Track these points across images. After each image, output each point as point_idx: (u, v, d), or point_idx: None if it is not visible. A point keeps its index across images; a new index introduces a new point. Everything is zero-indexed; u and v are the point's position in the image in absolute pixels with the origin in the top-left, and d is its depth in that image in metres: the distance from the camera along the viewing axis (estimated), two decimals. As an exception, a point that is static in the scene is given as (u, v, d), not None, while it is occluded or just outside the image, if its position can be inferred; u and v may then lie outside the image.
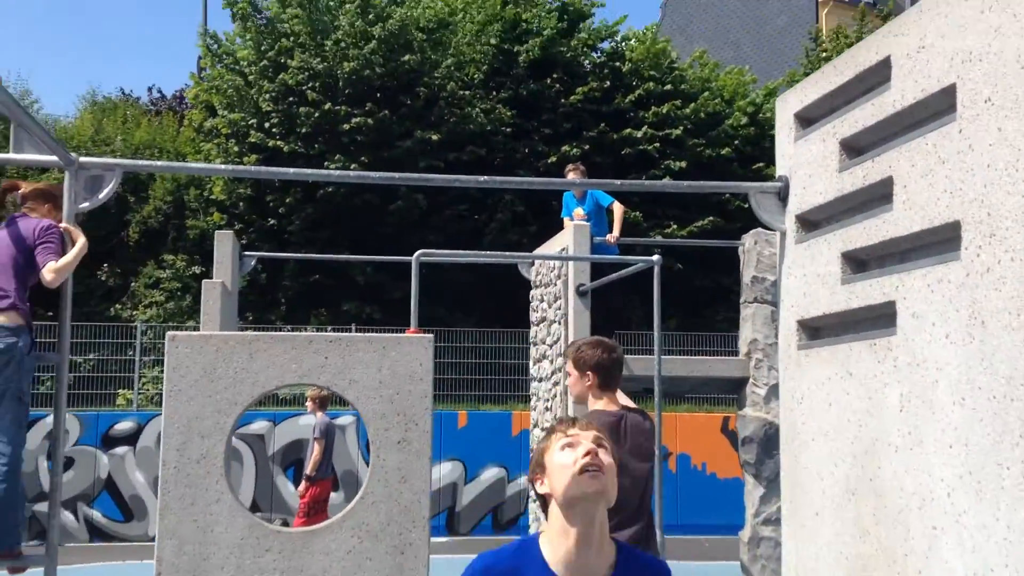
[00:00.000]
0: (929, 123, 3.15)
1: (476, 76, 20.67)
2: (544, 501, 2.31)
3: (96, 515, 13.91)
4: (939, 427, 2.98)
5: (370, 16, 18.80)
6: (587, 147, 20.14)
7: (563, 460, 2.26)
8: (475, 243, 19.04)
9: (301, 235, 18.65)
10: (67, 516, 13.59)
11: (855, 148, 3.63)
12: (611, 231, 9.05)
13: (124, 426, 14.19)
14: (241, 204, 19.03)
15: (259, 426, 14.28)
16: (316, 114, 18.07)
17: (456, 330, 17.18)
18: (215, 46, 19.98)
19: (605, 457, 2.25)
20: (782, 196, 4.12)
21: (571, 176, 8.81)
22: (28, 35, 56.62)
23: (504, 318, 17.28)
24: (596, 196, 9.13)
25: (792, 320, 4.03)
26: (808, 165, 3.92)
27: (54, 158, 3.46)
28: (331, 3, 19.10)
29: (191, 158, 20.04)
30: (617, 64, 21.68)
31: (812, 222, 3.98)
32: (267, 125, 18.49)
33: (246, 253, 9.19)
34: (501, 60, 21.10)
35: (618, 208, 9.16)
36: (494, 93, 20.76)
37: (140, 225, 19.41)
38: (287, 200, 18.36)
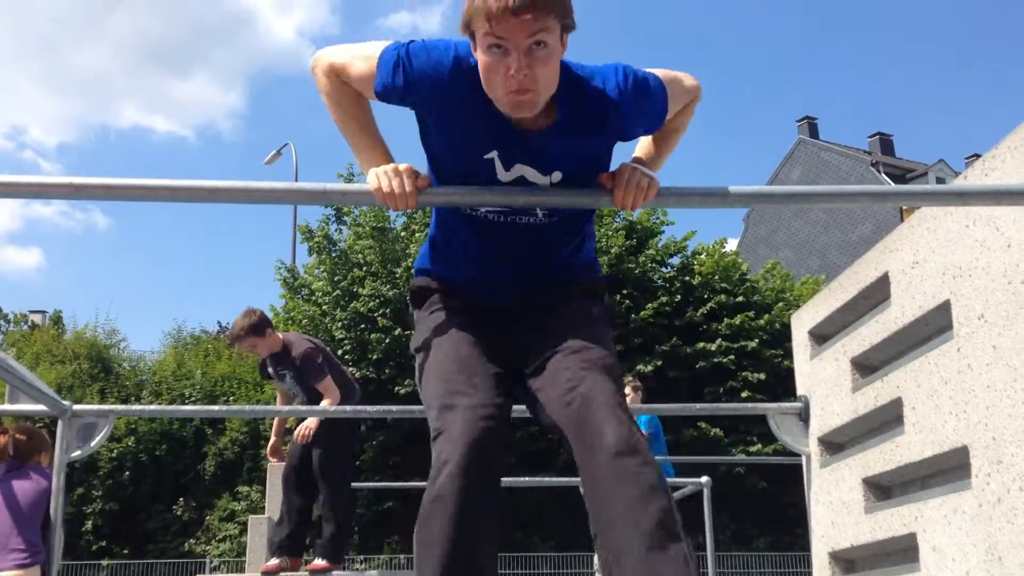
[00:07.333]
0: (931, 340, 2.98)
1: (546, 294, 20.88)
2: None
3: None
4: None
5: (440, 244, 19.35)
6: (660, 362, 19.94)
7: (489, 62, 2.01)
8: (550, 462, 18.70)
9: (373, 462, 18.56)
10: None
11: (866, 367, 3.45)
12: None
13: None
14: (316, 432, 19.11)
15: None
16: (387, 339, 18.36)
17: (534, 555, 16.64)
18: (292, 279, 20.68)
19: (537, 60, 1.97)
20: (803, 417, 3.91)
21: (626, 393, 8.53)
22: (122, 278, 59.82)
23: (584, 541, 16.68)
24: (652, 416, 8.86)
25: (823, 552, 3.72)
26: (824, 384, 3.72)
27: (45, 408, 3.45)
28: (402, 233, 19.76)
29: (268, 388, 20.36)
30: (687, 278, 21.74)
31: (835, 444, 3.75)
32: (340, 352, 18.81)
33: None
34: (570, 279, 21.32)
35: None
36: (564, 311, 20.88)
37: (216, 457, 19.56)
38: (361, 428, 18.39)
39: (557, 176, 2.22)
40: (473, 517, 2.04)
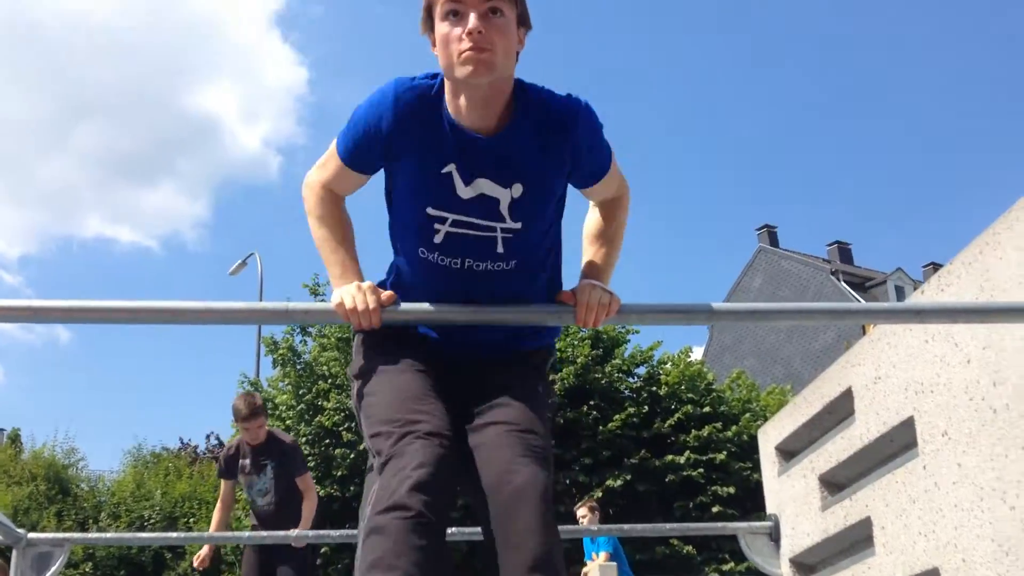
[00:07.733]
0: (896, 457, 2.97)
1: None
2: None
3: None
4: None
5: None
6: (629, 476, 19.72)
7: (446, 31, 2.06)
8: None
9: (339, 581, 18.07)
10: None
11: (834, 484, 3.43)
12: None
13: None
14: (278, 552, 18.65)
15: None
16: (351, 455, 18.08)
17: None
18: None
19: (494, 26, 2.02)
20: (773, 537, 3.86)
21: (583, 515, 8.46)
22: (83, 393, 58.48)
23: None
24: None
25: (798, 676, 3.64)
26: (794, 503, 3.69)
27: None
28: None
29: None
30: (654, 388, 21.65)
31: (807, 565, 3.70)
32: (304, 469, 18.50)
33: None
34: (537, 391, 21.19)
35: None
36: (532, 424, 20.69)
37: (176, 585, 18.97)
38: (322, 549, 17.96)
39: (518, 189, 2.20)
40: (434, 532, 1.93)
